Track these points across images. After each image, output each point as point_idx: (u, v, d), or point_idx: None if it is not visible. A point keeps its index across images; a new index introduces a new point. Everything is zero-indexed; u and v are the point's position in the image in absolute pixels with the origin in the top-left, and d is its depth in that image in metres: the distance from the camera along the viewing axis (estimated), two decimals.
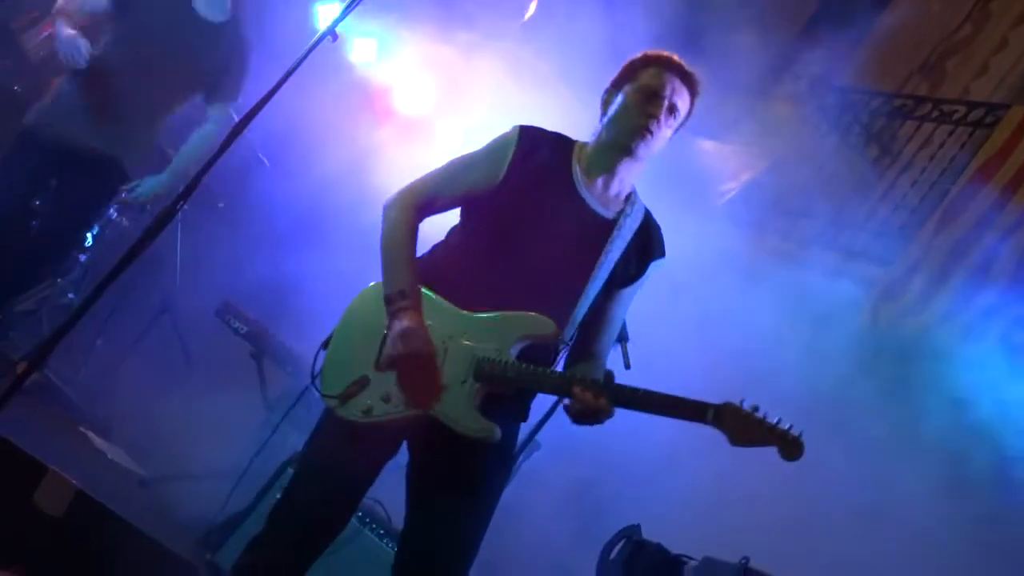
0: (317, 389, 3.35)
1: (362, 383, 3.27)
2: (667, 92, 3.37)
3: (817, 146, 8.59)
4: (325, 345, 3.43)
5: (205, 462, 6.08)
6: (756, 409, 3.01)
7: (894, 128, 8.78)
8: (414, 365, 3.20)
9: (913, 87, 9.25)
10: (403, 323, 3.20)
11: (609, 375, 3.18)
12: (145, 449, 6.42)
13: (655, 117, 3.35)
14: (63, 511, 2.80)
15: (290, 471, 4.94)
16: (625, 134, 3.37)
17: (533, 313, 3.24)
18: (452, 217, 3.54)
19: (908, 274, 7.33)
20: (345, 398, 3.26)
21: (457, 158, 3.50)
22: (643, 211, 3.50)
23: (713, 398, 3.01)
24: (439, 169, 3.49)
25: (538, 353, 3.30)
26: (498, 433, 3.18)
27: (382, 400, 3.24)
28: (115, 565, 2.76)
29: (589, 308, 3.42)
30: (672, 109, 3.39)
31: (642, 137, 3.36)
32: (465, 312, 3.28)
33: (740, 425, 2.99)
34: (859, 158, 8.51)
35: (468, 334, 3.25)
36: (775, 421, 2.99)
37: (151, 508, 5.67)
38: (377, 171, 7.10)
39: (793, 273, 7.43)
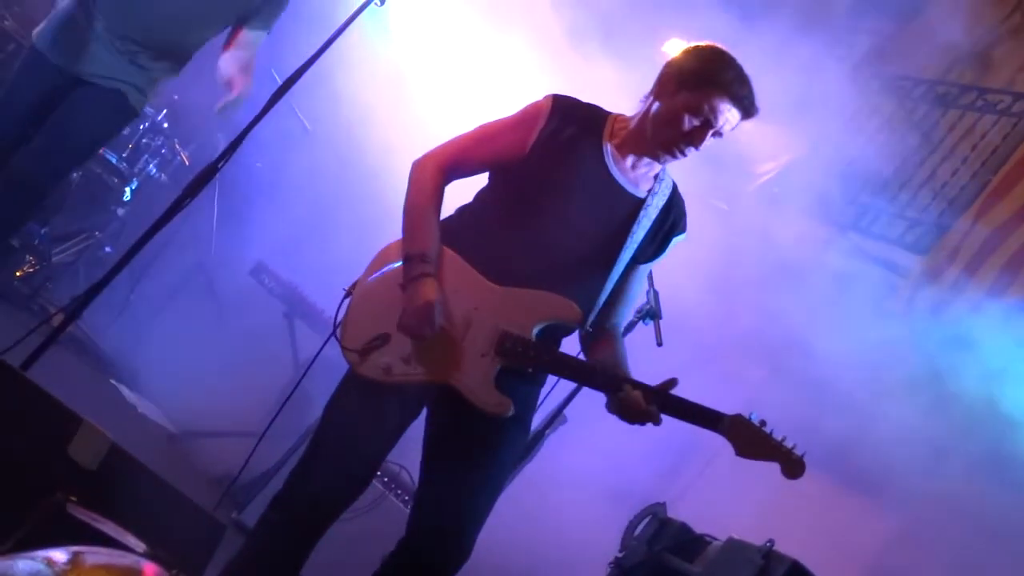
0: (338, 339, 3.31)
1: (383, 340, 3.24)
2: (720, 125, 3.27)
3: (858, 131, 8.52)
4: (349, 292, 3.40)
5: (234, 420, 6.11)
6: (763, 424, 3.07)
7: (937, 115, 8.69)
8: (431, 340, 3.17)
9: (958, 75, 9.13)
10: (421, 294, 3.16)
11: (669, 383, 3.14)
12: (175, 404, 6.47)
13: (695, 146, 3.29)
14: (97, 464, 2.82)
15: None
16: (660, 147, 3.32)
17: (562, 297, 3.23)
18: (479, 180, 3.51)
19: (944, 263, 7.27)
20: (364, 353, 3.24)
21: (488, 123, 3.44)
22: (671, 186, 3.45)
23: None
24: (469, 133, 3.44)
25: (554, 332, 3.31)
26: (512, 409, 3.17)
27: (402, 361, 3.22)
28: (146, 521, 2.78)
29: (612, 288, 3.40)
30: (717, 134, 3.29)
31: (674, 157, 3.33)
32: (494, 285, 3.25)
33: (747, 437, 3.06)
34: (900, 145, 8.43)
35: (494, 308, 3.22)
36: (780, 439, 3.07)
37: (179, 463, 5.72)
38: (417, 135, 7.09)
39: (828, 258, 7.39)
